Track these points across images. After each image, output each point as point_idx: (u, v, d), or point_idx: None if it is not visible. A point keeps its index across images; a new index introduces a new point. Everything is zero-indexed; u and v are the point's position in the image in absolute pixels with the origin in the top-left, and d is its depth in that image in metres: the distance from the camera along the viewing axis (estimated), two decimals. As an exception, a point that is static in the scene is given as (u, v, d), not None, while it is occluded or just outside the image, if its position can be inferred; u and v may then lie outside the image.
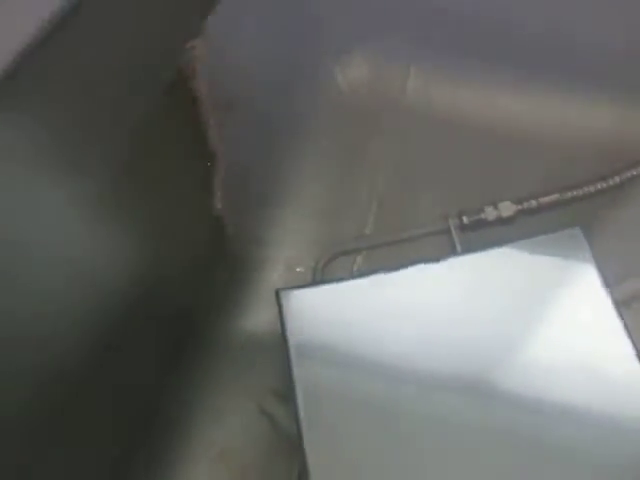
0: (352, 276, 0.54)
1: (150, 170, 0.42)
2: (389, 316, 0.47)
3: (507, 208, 0.57)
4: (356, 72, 0.71)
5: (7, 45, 0.24)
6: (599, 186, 0.58)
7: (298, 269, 0.61)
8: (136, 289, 0.44)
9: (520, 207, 0.57)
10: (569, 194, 0.58)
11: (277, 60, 0.65)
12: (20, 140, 0.25)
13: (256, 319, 0.59)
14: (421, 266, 0.48)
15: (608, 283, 0.46)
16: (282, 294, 0.48)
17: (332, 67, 0.70)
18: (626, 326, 0.45)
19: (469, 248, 0.55)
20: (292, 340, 0.46)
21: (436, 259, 0.49)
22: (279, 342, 0.47)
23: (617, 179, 0.58)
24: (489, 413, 0.43)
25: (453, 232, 0.58)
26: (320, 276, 0.58)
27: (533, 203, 0.58)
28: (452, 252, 0.58)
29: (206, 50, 0.44)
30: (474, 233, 0.59)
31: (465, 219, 0.58)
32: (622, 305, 0.46)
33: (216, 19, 0.43)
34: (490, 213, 0.57)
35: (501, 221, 0.58)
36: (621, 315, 0.45)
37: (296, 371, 0.44)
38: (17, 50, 0.24)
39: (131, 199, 0.39)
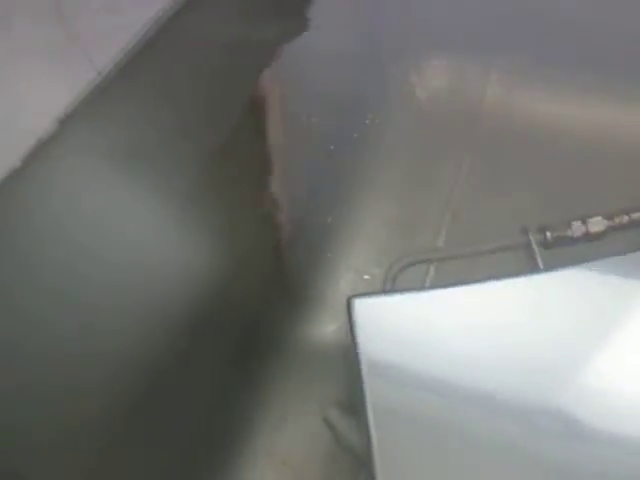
0: (426, 287, 0.52)
1: (227, 173, 0.42)
2: (465, 332, 0.45)
3: (597, 223, 0.53)
4: (434, 79, 0.69)
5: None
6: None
7: (366, 276, 0.59)
8: (207, 298, 0.44)
9: (612, 223, 0.54)
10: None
11: (354, 68, 0.64)
12: (115, 142, 0.26)
13: (321, 328, 0.57)
14: (503, 280, 0.46)
15: None
16: (354, 302, 0.45)
17: (410, 74, 0.69)
18: None
19: (549, 263, 0.52)
20: (364, 352, 0.43)
21: (515, 274, 0.46)
22: (344, 352, 0.45)
23: None
24: (560, 444, 0.40)
25: (534, 246, 0.55)
26: (391, 286, 0.56)
27: (625, 219, 0.54)
28: (531, 267, 0.55)
29: (281, 70, 0.44)
30: (555, 248, 0.56)
31: (549, 235, 0.55)
32: None
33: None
34: (577, 228, 0.54)
35: (587, 236, 0.54)
36: None
37: (367, 385, 0.42)
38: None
39: (211, 202, 0.39)
